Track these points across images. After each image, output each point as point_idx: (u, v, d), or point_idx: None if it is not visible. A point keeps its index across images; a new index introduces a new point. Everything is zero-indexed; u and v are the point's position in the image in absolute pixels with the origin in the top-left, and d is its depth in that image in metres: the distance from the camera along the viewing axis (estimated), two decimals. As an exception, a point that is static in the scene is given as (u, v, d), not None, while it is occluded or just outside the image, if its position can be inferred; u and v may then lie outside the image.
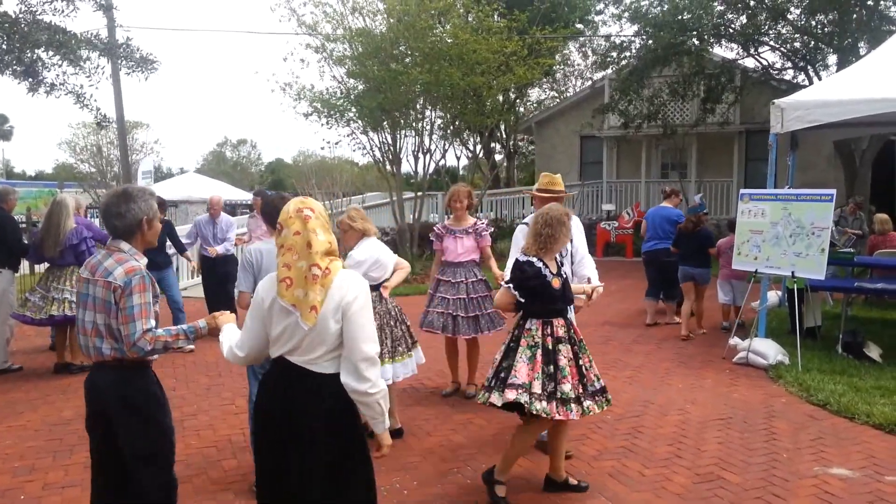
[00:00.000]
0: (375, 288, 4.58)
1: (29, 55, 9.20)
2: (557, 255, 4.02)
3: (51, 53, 9.05)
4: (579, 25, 21.20)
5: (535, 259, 3.82)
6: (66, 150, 30.14)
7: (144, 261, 2.91)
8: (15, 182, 32.06)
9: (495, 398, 3.68)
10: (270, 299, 2.53)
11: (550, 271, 3.82)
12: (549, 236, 3.82)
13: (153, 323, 2.83)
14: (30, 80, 9.27)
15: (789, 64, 16.13)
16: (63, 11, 9.19)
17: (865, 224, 10.28)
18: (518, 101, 21.97)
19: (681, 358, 7.12)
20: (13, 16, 8.82)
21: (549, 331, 3.76)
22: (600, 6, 19.56)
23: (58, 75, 9.43)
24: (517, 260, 3.93)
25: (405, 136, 14.77)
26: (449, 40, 13.61)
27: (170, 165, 53.27)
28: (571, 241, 4.41)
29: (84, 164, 28.94)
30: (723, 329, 8.32)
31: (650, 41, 15.05)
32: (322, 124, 14.55)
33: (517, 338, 3.80)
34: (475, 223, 5.74)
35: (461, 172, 22.65)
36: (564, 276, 3.96)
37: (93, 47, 9.36)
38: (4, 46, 8.98)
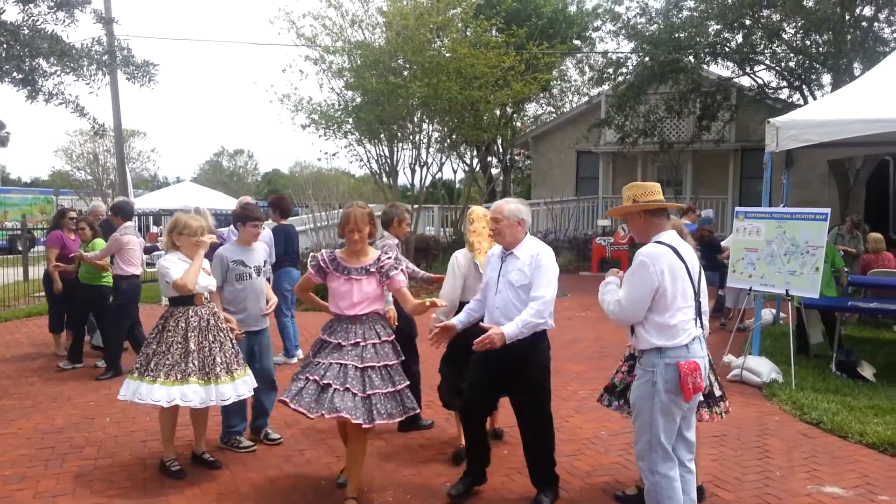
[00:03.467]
0: (189, 301, 4.41)
1: (29, 63, 9.20)
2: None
3: (52, 61, 9.06)
4: (576, 42, 21.38)
5: None
6: (62, 158, 30.12)
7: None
8: (10, 189, 32.03)
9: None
10: (470, 263, 4.54)
11: None
12: None
13: None
14: (28, 88, 9.28)
15: (784, 83, 16.28)
16: (64, 21, 9.21)
17: (862, 243, 10.35)
18: (515, 115, 22.09)
19: (675, 374, 7.13)
20: (14, 24, 8.85)
21: None
22: (597, 23, 19.73)
23: (56, 84, 9.45)
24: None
25: (402, 148, 14.87)
26: (447, 54, 13.72)
27: (166, 174, 53.35)
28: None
29: (80, 171, 28.92)
30: (721, 326, 9.33)
31: (646, 58, 15.18)
32: (319, 136, 14.62)
33: None
34: (378, 258, 4.06)
35: (457, 186, 22.71)
36: None
37: (91, 60, 9.36)
38: (4, 55, 8.99)
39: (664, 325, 3.20)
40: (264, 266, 4.96)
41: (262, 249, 5.03)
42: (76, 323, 7.45)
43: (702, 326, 3.37)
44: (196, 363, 4.27)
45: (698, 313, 3.33)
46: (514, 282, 3.88)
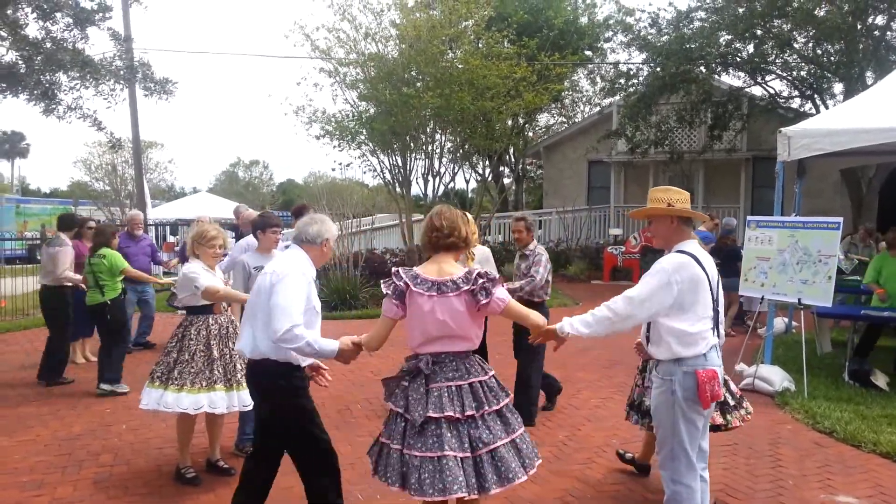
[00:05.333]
0: (208, 310, 4.56)
1: (48, 77, 9.41)
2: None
3: (73, 75, 9.25)
4: (588, 52, 21.41)
5: None
6: (81, 169, 30.48)
7: None
8: (30, 199, 32.48)
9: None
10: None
11: None
12: None
13: None
14: (46, 101, 9.47)
15: (796, 92, 16.24)
16: (82, 40, 9.42)
17: (875, 251, 10.32)
18: (527, 125, 22.13)
19: (687, 383, 7.11)
20: (37, 39, 9.05)
21: None
22: (609, 34, 19.78)
23: (75, 98, 9.64)
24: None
25: (415, 158, 14.95)
26: (460, 66, 13.80)
27: (183, 185, 53.82)
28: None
29: (99, 182, 29.24)
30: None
31: (658, 69, 15.20)
32: (333, 146, 14.74)
33: None
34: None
35: (470, 195, 22.80)
36: None
37: (111, 74, 9.56)
38: (23, 69, 9.19)
39: (684, 333, 3.16)
40: None
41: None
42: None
43: (718, 335, 3.35)
44: (220, 370, 4.37)
45: (715, 323, 3.31)
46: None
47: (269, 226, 4.94)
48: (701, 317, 3.19)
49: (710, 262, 3.31)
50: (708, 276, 3.23)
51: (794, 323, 9.18)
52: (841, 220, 6.74)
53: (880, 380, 6.72)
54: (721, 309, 3.39)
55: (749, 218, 7.66)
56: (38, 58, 8.93)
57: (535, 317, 3.24)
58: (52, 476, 4.58)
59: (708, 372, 3.14)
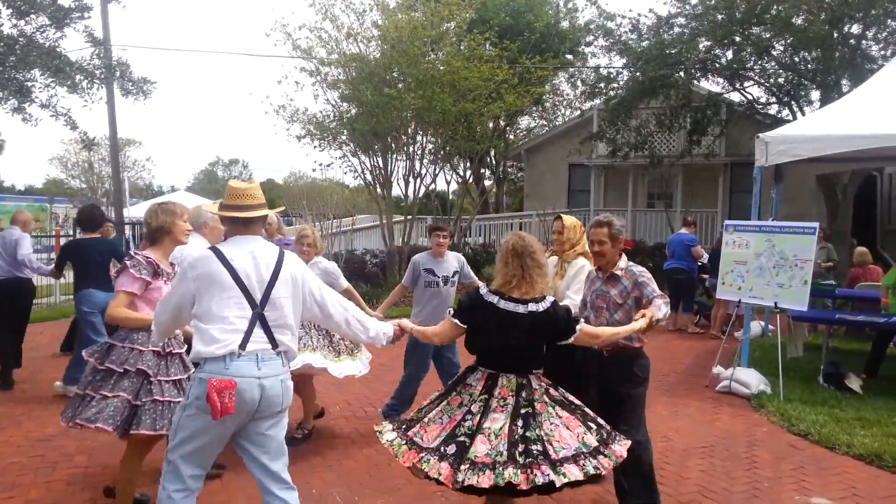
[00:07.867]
0: None
1: (23, 74, 9.25)
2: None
3: (47, 74, 9.11)
4: (569, 56, 21.55)
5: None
6: (57, 166, 30.12)
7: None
8: (4, 196, 31.86)
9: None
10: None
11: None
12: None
13: None
14: (19, 98, 9.31)
15: (774, 99, 16.46)
16: (56, 41, 9.28)
17: (834, 253, 10.38)
18: (508, 128, 22.20)
19: (664, 386, 7.18)
20: (11, 37, 8.88)
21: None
22: (589, 38, 19.93)
23: (50, 97, 9.49)
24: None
25: (396, 159, 14.93)
26: (441, 67, 13.82)
27: (161, 183, 53.26)
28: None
29: (75, 179, 28.92)
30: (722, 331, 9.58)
31: (637, 73, 15.33)
32: (314, 146, 14.69)
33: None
34: None
35: (451, 197, 22.83)
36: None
37: (88, 74, 9.42)
38: None
39: (202, 331, 2.93)
40: (453, 276, 5.40)
41: (454, 260, 5.49)
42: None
43: (274, 343, 2.98)
44: None
45: (264, 328, 2.97)
46: None
47: (433, 230, 5.46)
48: (221, 316, 2.91)
49: (247, 260, 3.00)
50: (237, 274, 2.95)
51: (770, 326, 9.31)
52: (817, 225, 6.85)
53: (854, 383, 6.83)
54: (275, 313, 3.01)
55: (726, 222, 7.76)
56: (13, 56, 8.76)
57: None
58: (25, 478, 4.50)
59: (222, 382, 2.81)
